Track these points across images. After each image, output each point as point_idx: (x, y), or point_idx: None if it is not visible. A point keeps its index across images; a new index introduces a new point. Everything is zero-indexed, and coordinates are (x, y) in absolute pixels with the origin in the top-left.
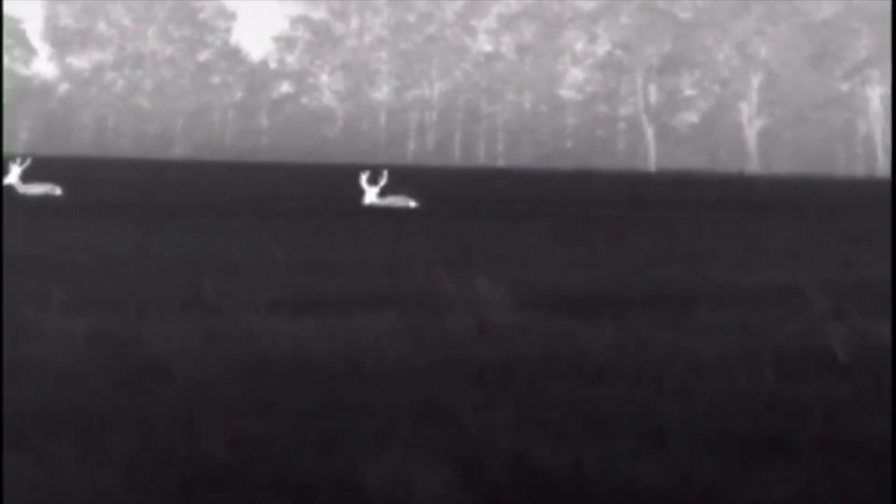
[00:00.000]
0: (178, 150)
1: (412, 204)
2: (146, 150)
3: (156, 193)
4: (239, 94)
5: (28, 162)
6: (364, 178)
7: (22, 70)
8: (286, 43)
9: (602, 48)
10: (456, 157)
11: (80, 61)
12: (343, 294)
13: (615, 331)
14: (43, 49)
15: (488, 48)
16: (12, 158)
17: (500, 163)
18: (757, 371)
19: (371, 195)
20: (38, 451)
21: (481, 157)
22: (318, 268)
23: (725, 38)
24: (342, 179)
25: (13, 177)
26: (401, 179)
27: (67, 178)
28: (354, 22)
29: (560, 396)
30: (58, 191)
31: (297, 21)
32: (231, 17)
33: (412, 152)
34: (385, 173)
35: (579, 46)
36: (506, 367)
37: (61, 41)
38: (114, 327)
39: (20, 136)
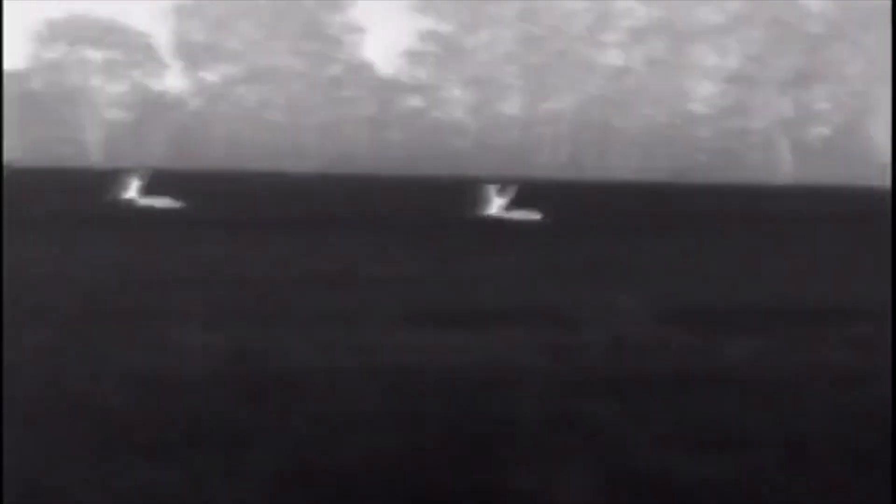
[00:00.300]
0: (311, 164)
1: (536, 217)
2: (279, 164)
3: (284, 206)
4: (370, 108)
5: (147, 175)
6: (492, 189)
7: (154, 85)
8: (416, 57)
9: (733, 61)
10: (588, 170)
11: (211, 76)
12: (481, 307)
13: (753, 344)
14: (174, 64)
15: (619, 62)
16: (132, 172)
17: (633, 176)
18: None
19: (497, 207)
20: (184, 463)
21: (614, 171)
22: (454, 281)
23: (857, 50)
24: (474, 192)
25: (132, 190)
26: (535, 191)
27: (195, 191)
28: (484, 35)
29: (699, 410)
30: (177, 204)
31: (426, 35)
32: (360, 31)
33: (544, 166)
34: (514, 186)
35: (710, 60)
36: (644, 381)
37: (192, 56)
38: (252, 341)
39: (154, 150)
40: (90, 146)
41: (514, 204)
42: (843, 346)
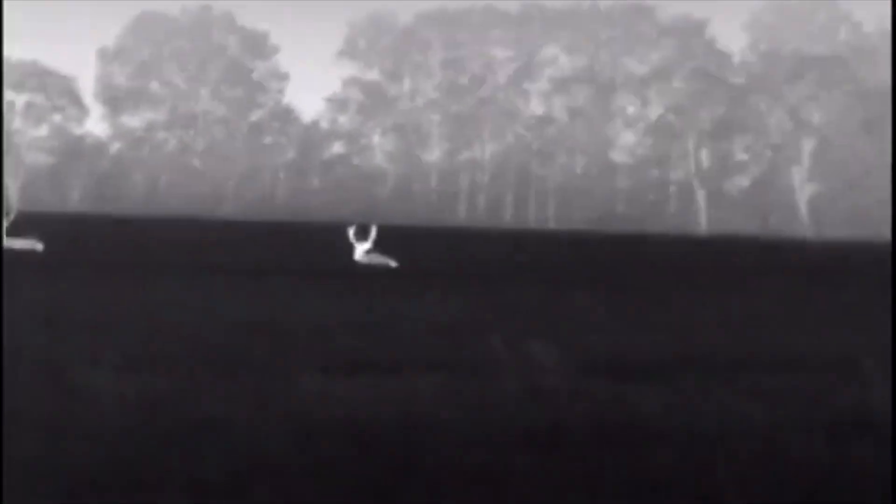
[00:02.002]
0: (229, 209)
1: (392, 264)
2: (197, 210)
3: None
4: (290, 155)
5: (12, 215)
6: (351, 232)
7: (74, 129)
8: (338, 104)
9: (654, 112)
10: (507, 218)
11: (133, 120)
12: (392, 356)
13: (666, 396)
14: (95, 108)
15: (540, 111)
16: None
17: (551, 225)
18: (808, 439)
19: (360, 252)
20: None
21: (532, 220)
22: (366, 329)
23: (778, 103)
24: (397, 241)
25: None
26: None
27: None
28: (407, 84)
29: (611, 462)
30: (39, 246)
31: (349, 82)
32: (284, 77)
33: (463, 214)
34: (374, 229)
35: (631, 110)
36: (556, 431)
37: (114, 100)
38: (163, 387)
39: (72, 194)
40: (9, 190)
41: (377, 249)
42: (754, 398)
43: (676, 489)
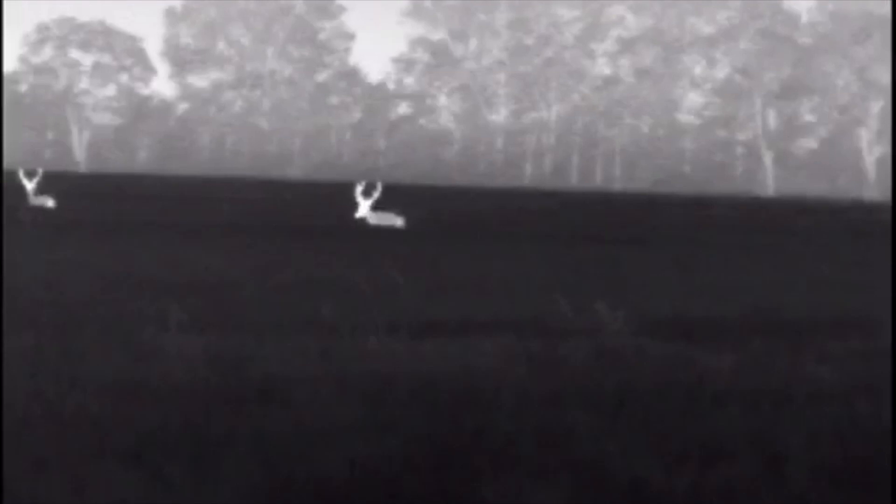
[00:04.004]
0: (296, 171)
1: (399, 223)
2: (264, 170)
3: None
4: (357, 115)
5: (40, 174)
6: (359, 189)
7: (141, 89)
8: (405, 64)
9: (721, 72)
10: (573, 180)
11: (200, 81)
12: (461, 317)
13: (734, 357)
14: (162, 68)
15: (607, 71)
16: (27, 172)
17: (618, 186)
18: (876, 399)
19: (364, 209)
20: (156, 471)
21: (598, 181)
22: (435, 290)
23: (846, 63)
24: (460, 201)
25: (30, 189)
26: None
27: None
28: (473, 44)
29: (678, 422)
30: (50, 203)
31: (416, 42)
32: (350, 37)
33: (529, 175)
34: (379, 186)
35: (698, 70)
36: (623, 392)
37: (181, 60)
38: (229, 348)
39: (139, 154)
40: (76, 150)
41: (381, 207)
42: (821, 360)
43: (743, 450)
